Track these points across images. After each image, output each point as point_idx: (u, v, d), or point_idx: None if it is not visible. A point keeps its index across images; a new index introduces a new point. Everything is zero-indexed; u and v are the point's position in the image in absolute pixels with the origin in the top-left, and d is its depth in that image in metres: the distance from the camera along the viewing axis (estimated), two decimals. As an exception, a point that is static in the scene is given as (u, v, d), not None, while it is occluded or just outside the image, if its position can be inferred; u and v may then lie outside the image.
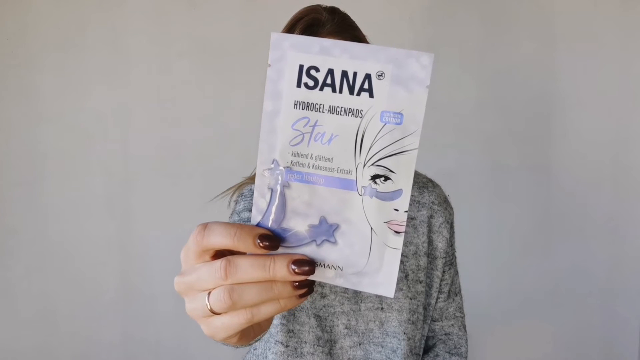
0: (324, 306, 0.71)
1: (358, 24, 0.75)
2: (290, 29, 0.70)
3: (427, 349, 0.80)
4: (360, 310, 0.71)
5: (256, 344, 0.75)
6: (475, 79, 1.47)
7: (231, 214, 0.81)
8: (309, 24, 0.69)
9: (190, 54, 1.46)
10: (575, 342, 1.53)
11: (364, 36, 0.75)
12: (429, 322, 0.78)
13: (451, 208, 0.82)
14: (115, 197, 1.49)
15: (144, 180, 1.49)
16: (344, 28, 0.71)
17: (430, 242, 0.77)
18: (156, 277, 1.50)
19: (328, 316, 0.71)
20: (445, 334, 0.80)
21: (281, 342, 0.69)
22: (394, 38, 1.45)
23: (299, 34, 0.68)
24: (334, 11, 0.72)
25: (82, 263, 1.50)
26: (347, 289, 0.71)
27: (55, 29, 1.45)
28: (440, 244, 0.77)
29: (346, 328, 0.71)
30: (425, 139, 1.52)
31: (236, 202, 0.81)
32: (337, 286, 0.70)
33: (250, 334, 0.36)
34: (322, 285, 0.71)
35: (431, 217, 0.78)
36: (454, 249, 0.82)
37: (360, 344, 0.71)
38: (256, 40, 1.42)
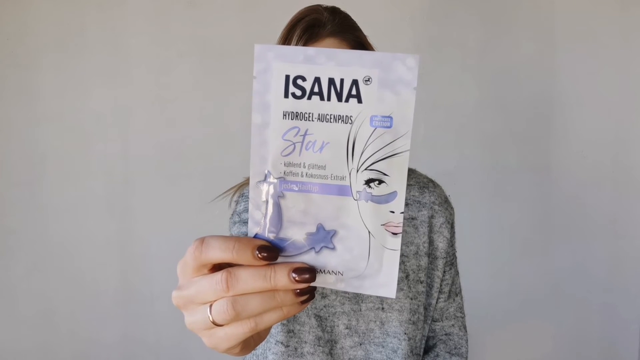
0: (324, 306, 0.71)
1: (359, 24, 0.75)
2: (290, 29, 0.70)
3: (428, 349, 0.80)
4: (360, 310, 0.71)
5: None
6: (476, 79, 1.47)
7: (232, 215, 0.80)
8: (309, 24, 0.68)
9: (190, 54, 1.46)
10: (575, 342, 1.53)
11: (364, 36, 0.75)
12: (429, 322, 0.78)
13: (452, 208, 0.82)
14: (115, 198, 1.49)
15: (144, 181, 1.49)
16: (344, 28, 0.70)
17: (431, 242, 0.77)
18: (156, 277, 1.50)
19: (329, 316, 0.71)
20: (445, 334, 0.80)
21: (281, 342, 0.69)
22: (394, 38, 1.45)
23: (300, 34, 0.68)
24: (334, 11, 0.72)
25: (82, 263, 1.50)
26: None
27: (55, 29, 1.45)
28: (441, 244, 0.77)
29: (347, 328, 0.71)
30: (426, 139, 1.52)
31: (237, 202, 0.81)
32: None
33: (251, 343, 0.37)
34: (325, 287, 0.71)
35: (432, 217, 0.77)
36: (454, 249, 0.82)
37: (360, 344, 0.71)
38: (256, 40, 1.42)
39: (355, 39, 0.72)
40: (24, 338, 1.51)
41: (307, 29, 0.68)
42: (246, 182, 0.82)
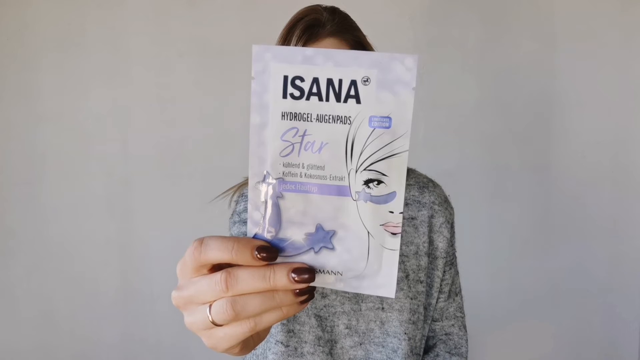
0: (324, 306, 0.71)
1: (358, 24, 0.75)
2: (290, 29, 0.70)
3: (428, 349, 0.80)
4: (361, 310, 0.71)
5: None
6: (476, 79, 1.47)
7: (232, 215, 0.81)
8: (309, 24, 0.68)
9: (190, 54, 1.46)
10: (575, 342, 1.53)
11: (364, 36, 0.75)
12: (429, 322, 0.78)
13: (452, 208, 0.82)
14: (115, 197, 1.49)
15: (144, 180, 1.49)
16: (344, 28, 0.70)
17: (431, 242, 0.77)
18: (156, 277, 1.50)
19: (329, 316, 0.71)
20: (445, 334, 0.80)
21: (281, 342, 0.69)
22: (394, 38, 1.45)
23: (299, 34, 0.68)
24: (334, 11, 0.72)
25: (82, 263, 1.50)
26: None
27: (55, 29, 1.45)
28: (440, 244, 0.77)
29: (347, 328, 0.71)
30: (426, 139, 1.51)
31: (237, 202, 0.81)
32: None
33: (251, 343, 0.37)
34: (324, 287, 0.71)
35: (432, 217, 0.77)
36: (454, 249, 0.82)
37: (361, 344, 0.71)
38: (256, 40, 1.42)
39: (355, 39, 0.72)
40: (24, 338, 1.51)
41: (307, 29, 0.68)
42: (246, 182, 0.82)
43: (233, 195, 0.83)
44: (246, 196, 0.79)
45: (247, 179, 0.83)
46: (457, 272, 0.83)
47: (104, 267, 1.50)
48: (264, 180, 0.32)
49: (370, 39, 0.76)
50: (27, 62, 1.46)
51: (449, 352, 0.78)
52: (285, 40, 0.69)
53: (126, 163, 1.49)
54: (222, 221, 0.86)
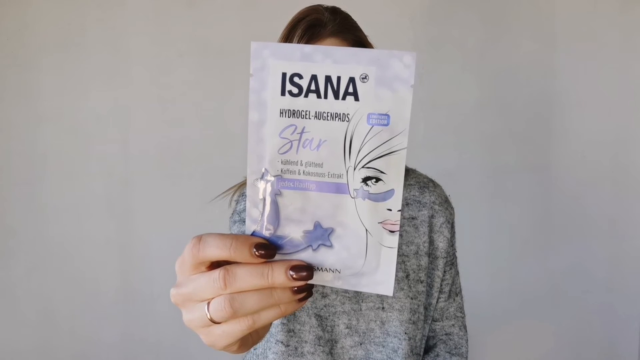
0: (324, 306, 0.71)
1: (359, 24, 0.75)
2: (291, 29, 0.70)
3: (428, 349, 0.80)
4: (361, 309, 0.71)
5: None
6: (476, 78, 1.47)
7: (232, 214, 0.81)
8: (310, 24, 0.68)
9: (190, 54, 1.46)
10: (575, 342, 1.53)
11: (365, 37, 0.75)
12: (429, 322, 0.78)
13: (452, 208, 0.82)
14: (115, 197, 1.49)
15: (144, 180, 1.49)
16: (345, 28, 0.70)
17: (431, 242, 0.77)
18: (156, 277, 1.50)
19: (329, 316, 0.71)
20: (445, 334, 0.80)
21: (282, 342, 0.69)
22: (394, 38, 1.45)
23: (301, 34, 0.68)
24: (335, 11, 0.72)
25: (82, 263, 1.50)
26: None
27: (55, 29, 1.45)
28: (441, 244, 0.77)
29: (347, 328, 0.71)
30: (426, 139, 1.51)
31: (237, 201, 0.81)
32: None
33: (249, 341, 0.37)
34: (322, 284, 0.71)
35: (432, 217, 0.77)
36: (454, 249, 0.82)
37: (361, 344, 0.71)
38: (256, 40, 1.42)
39: (356, 39, 0.72)
40: (24, 338, 1.50)
41: (308, 28, 0.68)
42: (246, 182, 0.82)
43: (233, 194, 0.83)
44: (246, 195, 0.79)
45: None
46: (457, 272, 0.83)
47: (104, 267, 1.50)
48: (262, 177, 0.32)
49: (371, 39, 0.76)
50: (27, 62, 1.46)
51: (449, 352, 0.78)
52: (287, 40, 0.69)
53: (126, 163, 1.49)
54: (222, 221, 0.86)
